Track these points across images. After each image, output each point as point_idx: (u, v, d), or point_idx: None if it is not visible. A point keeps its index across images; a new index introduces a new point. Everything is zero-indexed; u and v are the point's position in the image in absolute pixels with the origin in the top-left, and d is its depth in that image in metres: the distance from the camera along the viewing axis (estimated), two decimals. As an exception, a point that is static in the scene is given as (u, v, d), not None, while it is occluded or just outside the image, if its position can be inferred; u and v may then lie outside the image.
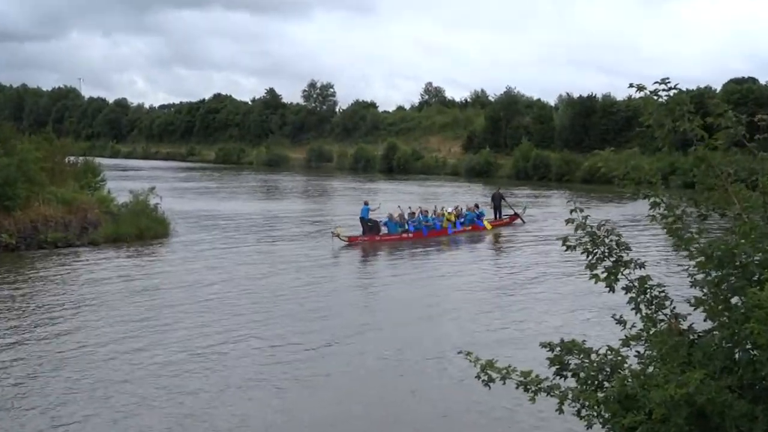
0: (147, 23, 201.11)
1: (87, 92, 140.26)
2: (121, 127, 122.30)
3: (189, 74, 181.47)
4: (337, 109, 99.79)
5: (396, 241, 25.06)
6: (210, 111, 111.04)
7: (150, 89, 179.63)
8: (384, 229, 25.67)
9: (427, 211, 26.96)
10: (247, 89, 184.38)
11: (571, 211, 4.85)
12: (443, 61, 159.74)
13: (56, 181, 26.65)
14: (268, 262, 20.39)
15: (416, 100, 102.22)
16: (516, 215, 30.25)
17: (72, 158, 31.36)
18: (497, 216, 29.99)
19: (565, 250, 4.79)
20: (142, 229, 24.46)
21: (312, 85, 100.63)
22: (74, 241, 23.56)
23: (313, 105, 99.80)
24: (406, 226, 25.66)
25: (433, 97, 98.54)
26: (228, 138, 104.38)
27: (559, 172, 59.81)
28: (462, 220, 27.80)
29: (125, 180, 42.38)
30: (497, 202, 30.54)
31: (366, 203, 26.14)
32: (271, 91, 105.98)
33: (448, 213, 27.53)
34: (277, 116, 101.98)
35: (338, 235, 23.65)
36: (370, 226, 25.31)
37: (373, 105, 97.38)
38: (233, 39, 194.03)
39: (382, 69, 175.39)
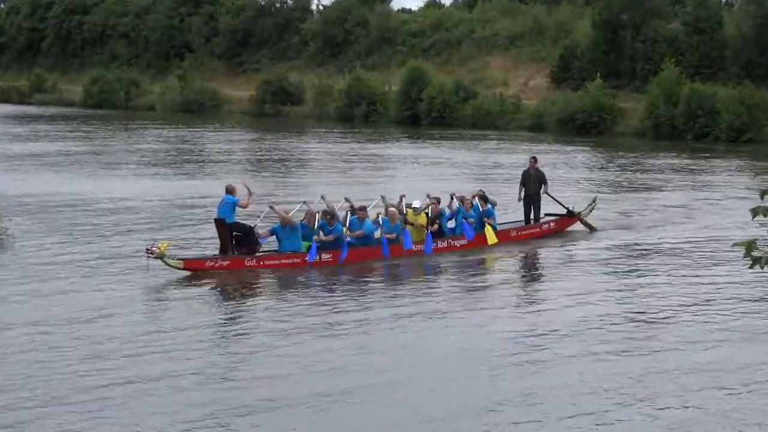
0: None
1: None
2: None
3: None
4: (313, 6, 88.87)
5: (290, 268, 20.43)
6: (73, 10, 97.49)
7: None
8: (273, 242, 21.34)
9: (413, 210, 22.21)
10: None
11: (763, 195, 4.89)
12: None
13: None
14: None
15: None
16: (573, 215, 24.79)
17: None
18: (531, 217, 24.56)
19: (750, 267, 4.72)
20: None
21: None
22: None
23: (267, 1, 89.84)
24: (338, 236, 20.89)
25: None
26: (108, 61, 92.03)
27: (734, 124, 51.17)
28: (451, 218, 22.73)
29: None
30: (533, 188, 24.51)
31: (229, 191, 20.92)
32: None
33: (413, 211, 22.23)
34: (201, 19, 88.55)
35: (161, 257, 19.21)
36: (237, 237, 20.65)
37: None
38: None
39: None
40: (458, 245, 22.64)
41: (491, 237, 22.75)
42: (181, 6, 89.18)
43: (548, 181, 25.22)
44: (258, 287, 20.05)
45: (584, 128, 55.30)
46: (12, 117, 71.68)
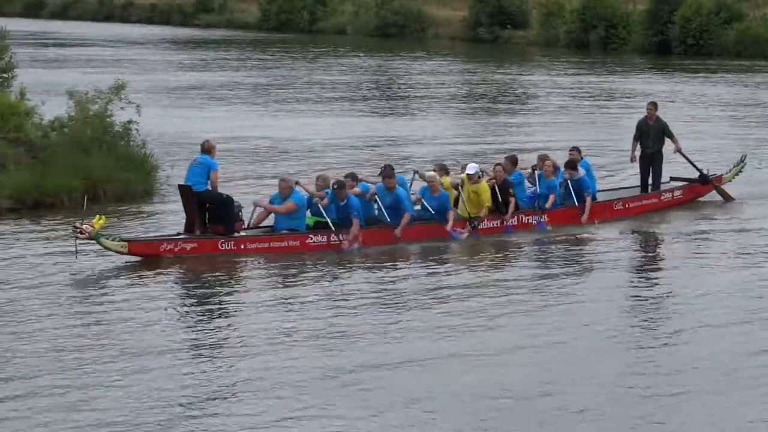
0: None
1: None
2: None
3: None
4: None
5: (283, 252, 18.83)
6: None
7: None
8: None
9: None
10: None
11: None
12: None
13: None
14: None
15: None
16: (707, 181, 23.11)
17: None
18: (648, 184, 22.86)
19: None
20: (95, 180, 22.04)
21: None
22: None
23: None
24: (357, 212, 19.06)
25: None
26: None
27: None
28: (532, 190, 21.17)
29: (59, 67, 42.64)
30: (652, 144, 22.74)
31: (205, 149, 19.64)
32: None
33: (468, 179, 20.43)
34: None
35: (95, 237, 17.44)
36: (211, 208, 19.10)
37: None
38: None
39: None
40: (534, 222, 20.98)
41: (586, 215, 20.97)
42: None
43: (675, 135, 23.47)
44: (235, 282, 18.10)
45: None
46: (173, 41, 73.44)
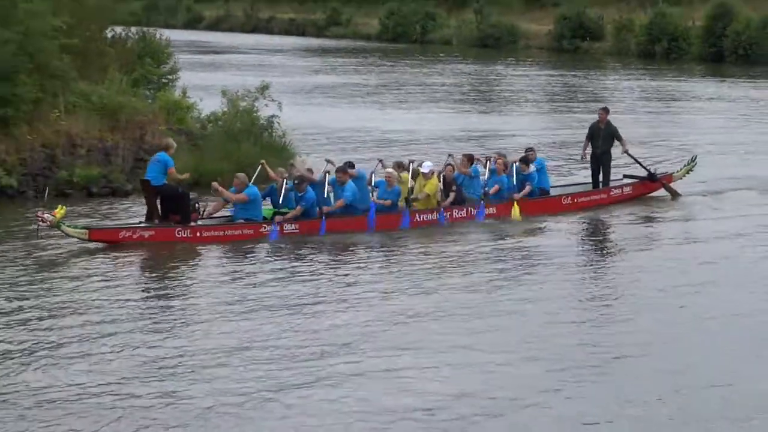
0: None
1: None
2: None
3: None
4: None
5: (238, 240, 17.81)
6: None
7: None
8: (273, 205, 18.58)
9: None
10: None
11: None
12: None
13: (90, 72, 25.15)
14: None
15: None
16: (654, 178, 21.65)
17: (118, 30, 29.60)
18: (599, 180, 21.44)
19: None
20: (245, 165, 21.25)
21: None
22: (122, 184, 22.10)
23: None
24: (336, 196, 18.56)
25: None
26: None
27: None
28: (485, 186, 19.76)
29: (214, 70, 42.63)
30: (602, 145, 21.18)
31: (163, 147, 18.72)
32: None
33: (423, 176, 19.46)
34: None
35: (57, 225, 16.82)
36: (166, 200, 18.18)
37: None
38: None
39: None
40: (473, 214, 19.55)
41: (515, 212, 19.38)
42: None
43: (623, 137, 21.74)
44: (187, 266, 17.06)
45: None
46: (308, 50, 73.91)
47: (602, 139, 21.02)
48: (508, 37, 77.14)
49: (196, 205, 18.61)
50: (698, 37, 66.02)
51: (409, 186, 19.38)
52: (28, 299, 14.43)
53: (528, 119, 39.03)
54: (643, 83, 52.66)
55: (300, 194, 18.15)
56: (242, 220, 18.25)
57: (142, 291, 15.30)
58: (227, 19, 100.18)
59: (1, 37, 21.65)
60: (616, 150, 21.82)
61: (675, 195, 21.80)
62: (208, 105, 26.38)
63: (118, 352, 11.94)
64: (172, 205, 18.23)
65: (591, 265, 17.66)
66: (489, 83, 53.13)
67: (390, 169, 19.66)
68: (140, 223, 18.26)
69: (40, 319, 13.43)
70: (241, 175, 18.40)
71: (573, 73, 58.60)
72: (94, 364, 11.57)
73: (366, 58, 67.60)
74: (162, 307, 14.28)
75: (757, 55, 60.62)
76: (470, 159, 20.33)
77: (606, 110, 21.71)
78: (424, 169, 19.60)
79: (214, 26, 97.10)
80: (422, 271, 16.10)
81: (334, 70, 57.32)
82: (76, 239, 17.30)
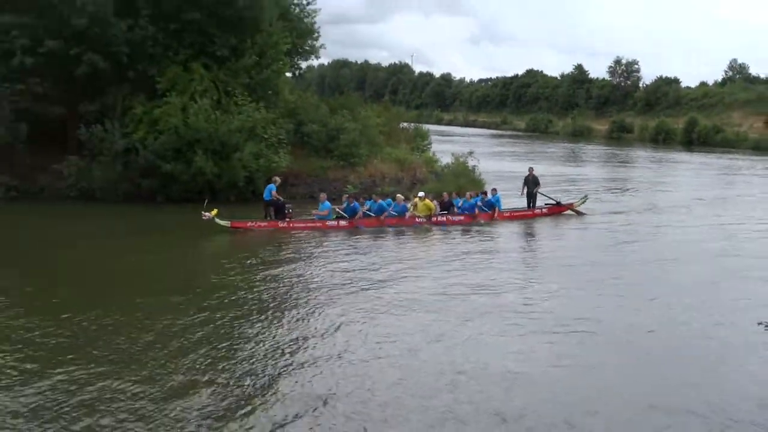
0: (459, 4, 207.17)
1: (415, 68, 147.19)
2: (445, 98, 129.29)
3: (497, 51, 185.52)
4: (640, 85, 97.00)
5: (315, 229, 18.51)
6: (522, 85, 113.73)
7: (465, 64, 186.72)
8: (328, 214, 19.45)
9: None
10: (552, 65, 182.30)
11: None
12: (747, 38, 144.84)
13: (391, 143, 28.23)
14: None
15: (719, 76, 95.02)
16: (560, 205, 22.62)
17: (404, 124, 33.26)
18: (531, 205, 22.38)
19: None
20: (461, 186, 24.34)
21: (617, 61, 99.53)
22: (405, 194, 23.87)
23: (618, 80, 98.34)
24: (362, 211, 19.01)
25: (737, 74, 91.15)
26: (537, 109, 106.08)
27: None
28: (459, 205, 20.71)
29: (447, 144, 43.23)
30: (531, 188, 22.46)
31: (272, 180, 19.11)
32: (578, 67, 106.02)
33: (419, 198, 20.36)
34: (583, 90, 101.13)
35: (209, 218, 17.25)
36: (278, 205, 19.12)
37: (676, 81, 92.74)
38: (540, 17, 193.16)
39: (685, 47, 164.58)
40: (456, 220, 20.44)
41: (495, 214, 20.91)
42: (573, 83, 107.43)
43: (540, 183, 22.84)
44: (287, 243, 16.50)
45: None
46: (490, 135, 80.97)
47: (531, 183, 22.21)
48: (587, 131, 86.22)
49: (289, 210, 18.54)
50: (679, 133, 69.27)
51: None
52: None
53: (592, 167, 40.92)
54: (643, 153, 56.52)
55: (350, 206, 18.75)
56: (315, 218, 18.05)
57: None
58: (454, 120, 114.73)
59: (353, 127, 25.01)
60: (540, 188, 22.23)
61: (580, 214, 21.92)
62: (444, 159, 28.38)
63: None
64: (275, 210, 18.51)
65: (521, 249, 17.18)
66: (576, 152, 57.41)
67: (399, 195, 20.07)
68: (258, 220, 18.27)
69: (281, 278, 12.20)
70: (323, 195, 19.20)
71: (614, 149, 62.38)
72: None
73: (518, 140, 73.25)
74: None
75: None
76: (458, 194, 21.13)
77: (531, 168, 22.60)
78: (420, 194, 20.21)
79: (448, 123, 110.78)
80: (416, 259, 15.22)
81: (503, 145, 61.38)
82: (223, 227, 16.93)
